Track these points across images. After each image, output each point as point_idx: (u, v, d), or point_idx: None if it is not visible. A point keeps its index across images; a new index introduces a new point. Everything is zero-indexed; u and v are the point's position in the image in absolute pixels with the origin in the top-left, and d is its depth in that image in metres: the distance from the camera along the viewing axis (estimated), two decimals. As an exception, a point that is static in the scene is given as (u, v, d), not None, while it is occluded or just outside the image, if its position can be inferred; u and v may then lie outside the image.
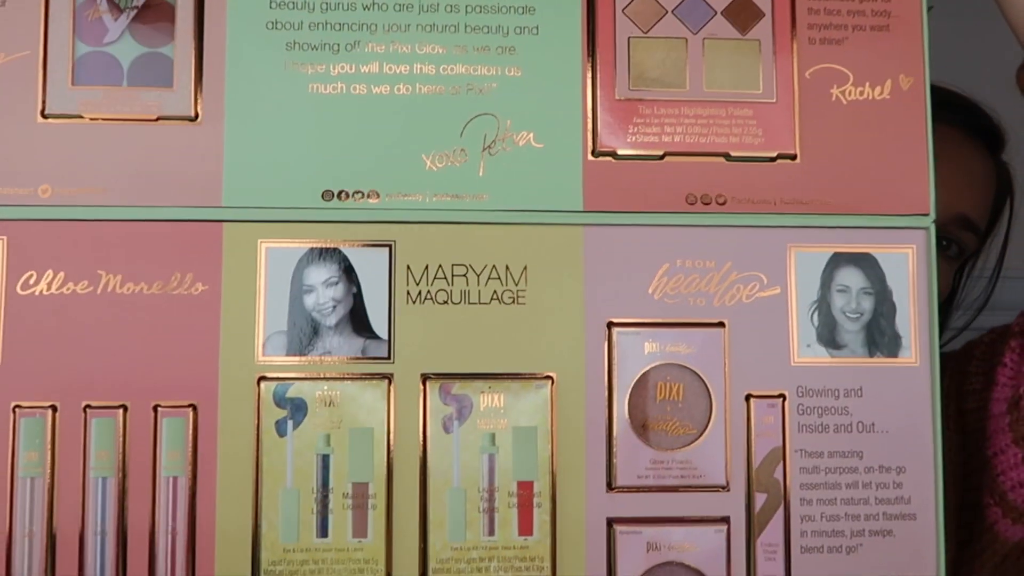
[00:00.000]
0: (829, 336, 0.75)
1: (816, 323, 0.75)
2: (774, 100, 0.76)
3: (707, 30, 0.76)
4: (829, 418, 0.75)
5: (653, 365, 0.74)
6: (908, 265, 0.76)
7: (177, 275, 0.71)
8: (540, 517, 0.72)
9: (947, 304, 1.05)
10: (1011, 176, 1.04)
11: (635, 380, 0.73)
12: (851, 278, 0.76)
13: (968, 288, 1.07)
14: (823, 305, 0.75)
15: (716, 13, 0.76)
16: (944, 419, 0.93)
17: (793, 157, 0.76)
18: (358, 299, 0.72)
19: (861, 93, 0.77)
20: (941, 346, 1.04)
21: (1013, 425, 0.86)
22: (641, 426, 0.73)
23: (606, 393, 0.73)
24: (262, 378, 0.71)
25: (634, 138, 0.75)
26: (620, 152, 0.74)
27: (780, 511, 0.73)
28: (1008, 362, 0.90)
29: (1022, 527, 0.90)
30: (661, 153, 0.75)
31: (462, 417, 0.72)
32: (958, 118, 0.99)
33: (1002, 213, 1.04)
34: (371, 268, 0.73)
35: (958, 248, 0.98)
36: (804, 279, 0.75)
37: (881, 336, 0.76)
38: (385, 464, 0.71)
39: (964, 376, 0.93)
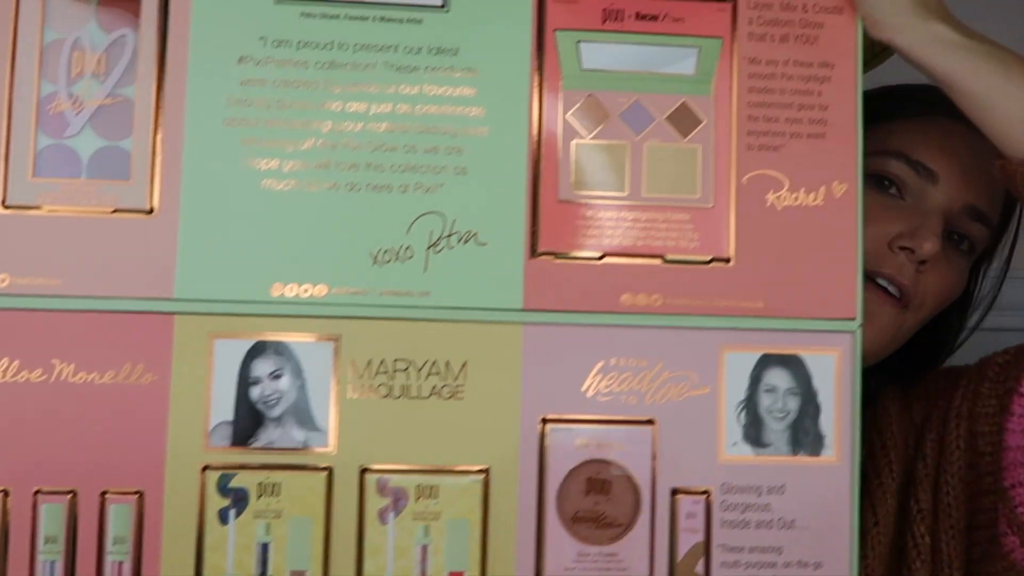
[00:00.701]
0: (755, 435, 0.78)
1: (743, 422, 0.78)
2: (711, 205, 0.78)
3: (649, 135, 0.78)
4: (751, 514, 0.78)
5: (584, 460, 0.77)
6: (834, 367, 0.79)
7: (128, 365, 0.74)
8: (470, 605, 0.75)
9: (961, 303, 1.05)
10: None
11: (566, 475, 0.77)
12: (779, 379, 0.79)
13: (984, 288, 1.07)
14: (750, 404, 0.78)
15: (658, 119, 0.78)
16: (955, 438, 0.94)
17: (727, 260, 0.78)
18: (302, 392, 0.75)
19: (796, 199, 0.79)
20: (957, 346, 1.06)
21: None
22: (570, 519, 0.77)
23: (537, 487, 0.76)
24: (207, 467, 0.74)
25: (574, 239, 0.77)
26: (560, 253, 0.77)
27: (701, 603, 0.77)
28: None
29: None
30: (599, 254, 0.78)
31: (398, 509, 0.75)
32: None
33: (1015, 209, 1.03)
34: (316, 362, 0.76)
35: (969, 243, 0.98)
36: (733, 379, 0.78)
37: (805, 435, 0.79)
38: (322, 554, 0.74)
39: (977, 397, 0.94)
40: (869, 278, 0.95)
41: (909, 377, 1.03)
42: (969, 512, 0.95)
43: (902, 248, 0.94)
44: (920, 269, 0.95)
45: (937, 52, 0.80)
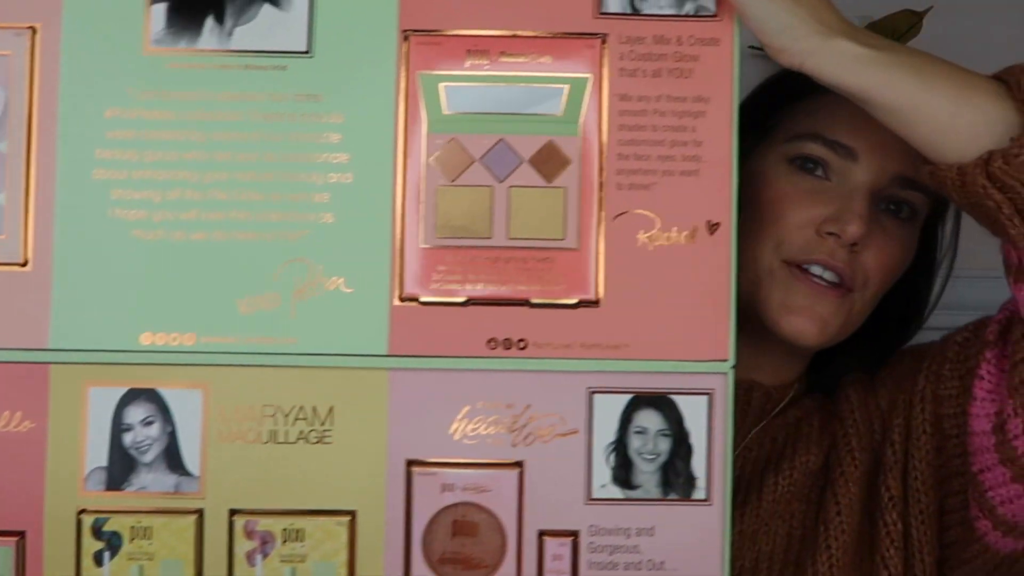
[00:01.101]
0: (624, 476, 0.78)
1: (612, 463, 0.78)
2: (576, 247, 0.78)
3: (513, 178, 0.78)
4: (620, 556, 0.78)
5: (450, 503, 0.78)
6: (706, 409, 0.78)
7: (7, 413, 0.77)
8: (336, 645, 0.77)
9: (925, 267, 1.02)
10: None
11: (432, 517, 0.78)
12: (649, 420, 0.78)
13: (945, 250, 1.04)
14: (620, 446, 0.78)
15: (523, 161, 0.78)
16: (921, 422, 0.94)
17: (595, 303, 0.78)
18: (172, 437, 0.78)
19: (668, 238, 0.78)
20: (931, 309, 1.03)
21: (999, 447, 0.87)
22: (437, 561, 0.78)
23: (404, 529, 0.78)
24: (82, 511, 0.77)
25: (438, 285, 0.78)
26: (424, 298, 0.78)
27: (567, 643, 0.78)
28: (985, 375, 0.89)
29: (1013, 539, 0.92)
30: (465, 299, 0.78)
31: (265, 552, 0.77)
32: None
33: None
34: (186, 408, 0.78)
35: (910, 209, 0.96)
36: (602, 421, 0.78)
37: (676, 477, 0.78)
38: (193, 593, 0.77)
39: (939, 379, 0.93)
40: (802, 267, 0.94)
41: (882, 355, 1.01)
42: (939, 496, 0.94)
43: (829, 233, 0.92)
44: (854, 249, 0.93)
45: (848, 70, 0.78)
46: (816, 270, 0.93)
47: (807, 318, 0.94)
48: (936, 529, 0.94)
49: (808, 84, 0.95)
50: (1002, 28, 0.87)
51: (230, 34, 0.78)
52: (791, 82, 0.96)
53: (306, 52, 0.78)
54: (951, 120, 0.78)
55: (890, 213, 0.95)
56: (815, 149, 0.94)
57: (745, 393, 1.00)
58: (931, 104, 0.78)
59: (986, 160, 0.77)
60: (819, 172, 0.95)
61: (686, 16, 0.78)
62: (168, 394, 0.78)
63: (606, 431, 0.78)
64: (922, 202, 0.95)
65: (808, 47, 0.78)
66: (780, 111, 0.97)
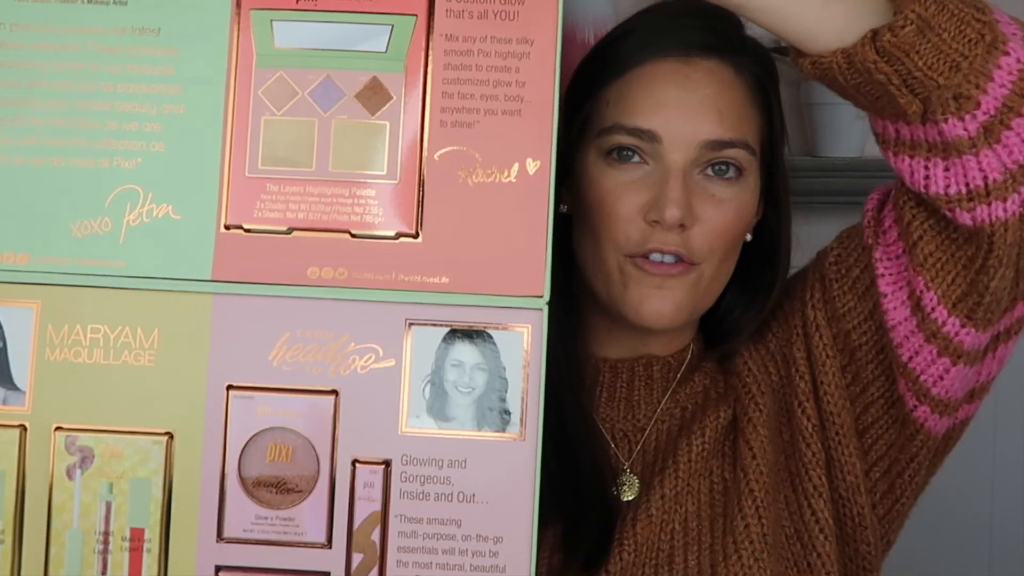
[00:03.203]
0: (440, 409, 0.79)
1: (428, 395, 0.79)
2: (397, 181, 0.80)
3: (337, 111, 0.80)
4: (431, 487, 0.79)
5: (266, 427, 0.79)
6: (522, 344, 0.79)
7: None
8: (148, 562, 0.79)
9: (774, 205, 1.02)
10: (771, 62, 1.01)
11: (248, 440, 0.79)
12: (465, 354, 0.80)
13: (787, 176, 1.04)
14: (436, 378, 0.79)
15: (348, 96, 0.80)
16: (821, 349, 0.97)
17: (415, 236, 0.79)
18: (3, 353, 0.80)
19: (488, 176, 0.80)
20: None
21: (921, 325, 0.89)
22: (252, 484, 0.79)
23: (221, 452, 0.79)
24: (-88, 421, 0.80)
25: (261, 213, 0.80)
26: (248, 226, 0.80)
27: (375, 571, 0.79)
28: (884, 272, 0.92)
29: (949, 417, 0.95)
30: (287, 228, 0.80)
31: (84, 467, 0.79)
32: (673, 43, 0.96)
33: (772, 87, 1.00)
34: (17, 325, 0.80)
35: (735, 167, 0.96)
36: (420, 353, 0.79)
37: (491, 411, 0.79)
38: (15, 508, 0.79)
39: (830, 301, 0.96)
40: (645, 256, 0.94)
41: (766, 292, 1.02)
42: (855, 414, 0.97)
43: (655, 221, 0.93)
44: (684, 227, 0.94)
45: None
46: (655, 257, 0.95)
47: (661, 303, 0.95)
48: (855, 448, 0.97)
49: (603, 70, 0.96)
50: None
51: (76, -30, 0.82)
52: (590, 71, 0.99)
53: (147, -12, 0.81)
54: (824, 11, 0.82)
55: (716, 176, 0.95)
56: (622, 139, 0.95)
57: (645, 368, 1.01)
58: (802, 1, 0.83)
59: (872, 37, 0.81)
60: (636, 158, 0.95)
61: (514, -40, 0.80)
62: (1, 311, 0.80)
63: (423, 363, 0.80)
64: (745, 156, 0.96)
65: None
66: (588, 103, 0.98)
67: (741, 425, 0.99)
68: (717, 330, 1.04)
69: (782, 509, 0.97)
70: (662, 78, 0.95)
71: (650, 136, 0.94)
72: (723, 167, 0.95)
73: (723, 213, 0.95)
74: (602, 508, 0.96)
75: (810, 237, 1.05)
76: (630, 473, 0.99)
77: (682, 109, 0.93)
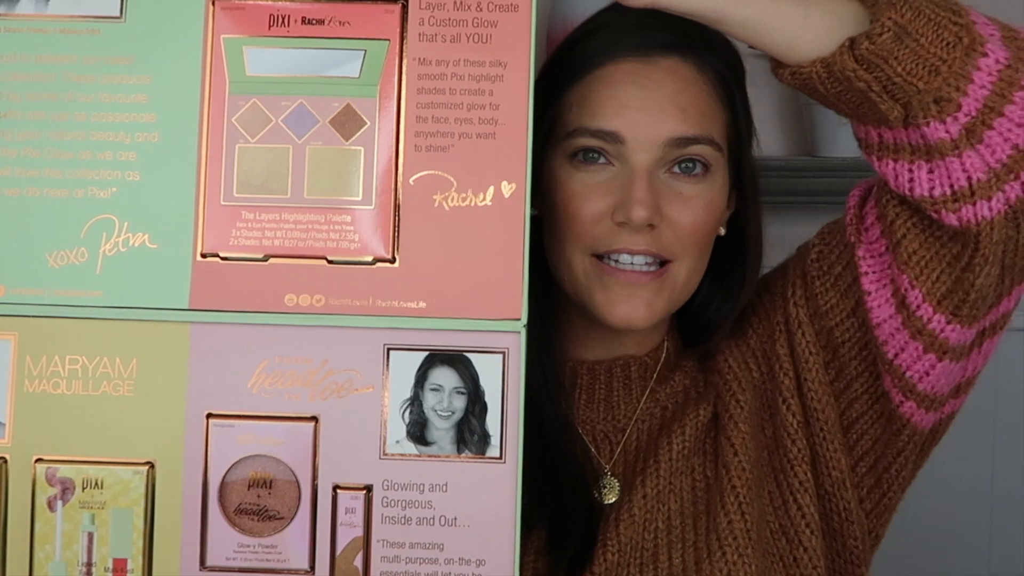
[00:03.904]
0: (419, 433, 0.80)
1: (407, 420, 0.80)
2: (372, 206, 0.80)
3: (311, 137, 0.80)
4: (413, 511, 0.79)
5: (247, 455, 0.80)
6: (500, 367, 0.79)
7: None
8: (132, 591, 0.79)
9: (742, 199, 1.02)
10: (736, 56, 1.01)
11: (229, 468, 0.79)
12: (444, 378, 0.80)
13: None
14: (415, 403, 0.80)
15: (322, 122, 0.80)
16: (804, 346, 0.97)
17: (391, 261, 0.79)
18: (-19, 386, 0.80)
19: (464, 199, 0.80)
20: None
21: (907, 323, 0.90)
22: (233, 512, 0.80)
23: (202, 481, 0.79)
24: None
25: (237, 241, 0.80)
26: (224, 254, 0.80)
27: (358, 596, 0.79)
28: (867, 269, 0.93)
29: (935, 412, 0.95)
30: (263, 255, 0.80)
31: (65, 499, 0.79)
32: (633, 43, 0.96)
33: (736, 84, 1.00)
34: (-5, 357, 0.80)
35: (702, 164, 0.96)
36: (398, 377, 0.80)
37: (471, 434, 0.79)
38: (-4, 538, 0.79)
39: (812, 298, 0.97)
40: (614, 259, 0.94)
41: (740, 286, 1.02)
42: (839, 410, 0.98)
43: (622, 222, 0.93)
44: (653, 226, 0.93)
45: None
46: (624, 258, 0.94)
47: (631, 306, 0.95)
48: (840, 444, 0.97)
49: (565, 73, 0.96)
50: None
51: (47, 0, 0.81)
52: (553, 74, 0.98)
53: (118, 17, 0.81)
54: (803, 22, 0.84)
55: (683, 174, 0.95)
56: (586, 141, 0.94)
57: (622, 369, 1.01)
58: (781, 12, 0.84)
59: (850, 45, 0.82)
60: (601, 160, 0.95)
61: (486, -18, 0.80)
62: (-22, 344, 0.80)
63: (402, 388, 0.80)
64: (710, 152, 0.95)
65: None
66: (552, 107, 0.97)
67: (722, 422, 0.99)
68: (694, 326, 1.05)
69: (766, 505, 0.98)
70: (623, 79, 0.95)
71: (613, 137, 0.94)
72: (689, 164, 0.95)
73: (691, 211, 0.95)
74: (585, 511, 0.97)
75: (809, 237, 1.05)
76: (611, 476, 0.99)
77: (644, 109, 0.93)
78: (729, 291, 1.02)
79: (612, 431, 1.01)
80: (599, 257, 0.94)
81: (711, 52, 0.97)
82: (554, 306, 1.01)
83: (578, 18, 1.03)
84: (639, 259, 0.94)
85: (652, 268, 0.94)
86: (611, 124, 0.94)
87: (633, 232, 0.92)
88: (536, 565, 0.95)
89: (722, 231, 1.00)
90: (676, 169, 0.94)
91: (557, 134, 0.96)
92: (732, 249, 1.01)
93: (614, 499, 0.98)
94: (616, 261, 0.94)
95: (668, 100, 0.94)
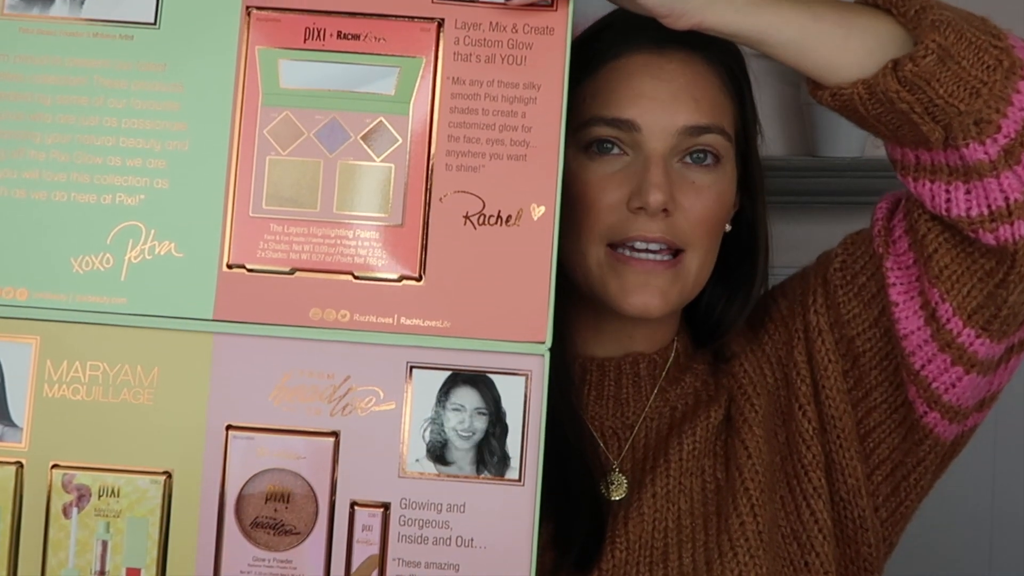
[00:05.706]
0: (439, 452, 0.79)
1: (427, 439, 0.79)
2: (400, 224, 0.79)
3: (343, 153, 0.80)
4: (430, 530, 0.79)
5: (265, 468, 0.79)
6: (523, 389, 0.79)
7: None
8: (144, 601, 0.79)
9: (749, 195, 1.03)
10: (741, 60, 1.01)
11: (247, 481, 0.79)
12: (466, 398, 0.79)
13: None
14: (436, 422, 0.79)
15: (353, 137, 0.80)
16: (823, 354, 0.97)
17: (418, 279, 0.79)
18: (1, 389, 0.80)
19: (492, 220, 0.80)
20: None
21: (936, 336, 0.91)
22: (249, 525, 0.79)
23: (219, 492, 0.79)
24: (-92, 456, 0.79)
25: (264, 253, 0.80)
26: (251, 266, 0.79)
27: (372, 614, 0.79)
28: (895, 281, 0.93)
29: (958, 424, 0.96)
30: (290, 268, 0.80)
31: (81, 506, 0.79)
32: (647, 36, 0.96)
33: (742, 77, 1.00)
34: (15, 360, 0.80)
35: (712, 154, 0.97)
36: (420, 396, 0.79)
37: (491, 456, 0.79)
38: (9, 544, 0.79)
39: (834, 307, 0.97)
40: (627, 247, 0.95)
41: (746, 284, 1.03)
42: (856, 418, 0.98)
43: (638, 208, 0.93)
44: (667, 215, 0.94)
45: (741, 18, 0.84)
46: (640, 246, 0.95)
47: (646, 295, 0.95)
48: (857, 451, 0.98)
49: (580, 67, 0.96)
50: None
51: (81, 3, 0.81)
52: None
53: (153, 23, 0.81)
54: (844, 43, 0.85)
55: (695, 164, 0.96)
56: (602, 131, 0.95)
57: (631, 366, 1.02)
58: (823, 33, 0.85)
59: (893, 67, 0.83)
60: (615, 150, 0.95)
61: (523, 5, 0.80)
62: (-1, 346, 0.80)
63: (423, 406, 0.80)
64: (722, 143, 0.97)
65: (699, 4, 0.83)
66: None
67: (736, 425, 1.00)
68: (703, 326, 1.05)
69: (778, 509, 0.98)
70: (638, 70, 0.96)
71: (629, 126, 0.94)
72: (701, 154, 0.96)
73: (704, 200, 0.96)
74: (593, 506, 0.97)
75: (810, 237, 1.05)
76: (618, 472, 1.00)
77: (659, 99, 0.94)
78: (735, 290, 1.03)
79: (621, 427, 1.01)
80: (614, 247, 0.95)
81: (719, 47, 0.99)
82: (564, 302, 1.01)
83: (589, 19, 1.03)
84: (654, 247, 0.94)
85: (666, 257, 0.95)
86: (627, 112, 0.94)
87: (648, 219, 0.93)
88: (543, 559, 0.95)
89: (728, 228, 1.01)
90: (688, 159, 0.96)
91: (570, 127, 0.96)
92: (737, 247, 1.02)
93: (621, 495, 0.98)
94: (631, 249, 0.94)
95: (682, 90, 0.95)
